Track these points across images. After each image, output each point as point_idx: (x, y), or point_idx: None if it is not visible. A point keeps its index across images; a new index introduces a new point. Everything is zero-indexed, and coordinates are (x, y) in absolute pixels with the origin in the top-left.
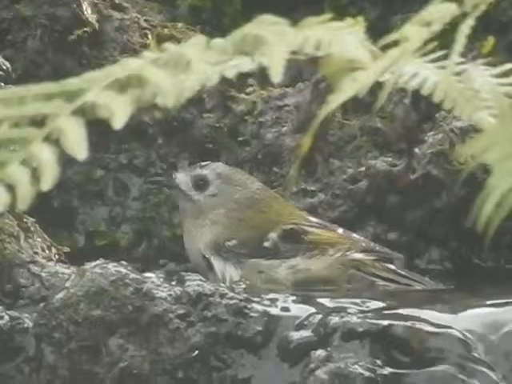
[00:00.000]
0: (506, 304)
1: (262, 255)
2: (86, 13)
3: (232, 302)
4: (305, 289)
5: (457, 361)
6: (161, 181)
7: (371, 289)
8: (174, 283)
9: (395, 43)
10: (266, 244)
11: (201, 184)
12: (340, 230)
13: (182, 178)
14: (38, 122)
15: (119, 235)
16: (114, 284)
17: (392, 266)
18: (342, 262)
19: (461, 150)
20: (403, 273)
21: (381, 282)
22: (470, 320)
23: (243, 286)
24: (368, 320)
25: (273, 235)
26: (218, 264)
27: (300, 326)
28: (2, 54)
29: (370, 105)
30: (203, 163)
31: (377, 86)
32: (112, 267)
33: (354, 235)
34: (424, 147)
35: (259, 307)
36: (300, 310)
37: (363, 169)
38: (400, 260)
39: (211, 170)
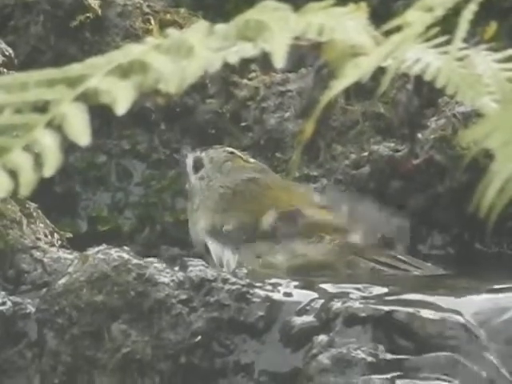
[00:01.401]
0: (509, 289)
1: (259, 239)
2: None
3: (234, 287)
4: (304, 274)
5: (459, 346)
6: (176, 159)
7: (371, 274)
8: (176, 269)
9: (398, 29)
10: (263, 227)
11: (197, 166)
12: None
13: (189, 158)
14: (41, 108)
15: (122, 221)
16: (116, 269)
17: (391, 252)
18: (340, 246)
19: (463, 135)
20: (402, 258)
21: (379, 267)
22: (473, 305)
23: (245, 271)
24: (370, 305)
25: (269, 219)
26: (214, 248)
27: (302, 312)
28: (4, 39)
29: (372, 90)
30: (213, 146)
31: (379, 72)
32: (114, 253)
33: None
34: (427, 132)
35: (261, 292)
36: (302, 296)
37: (366, 154)
38: (404, 242)
39: (207, 153)
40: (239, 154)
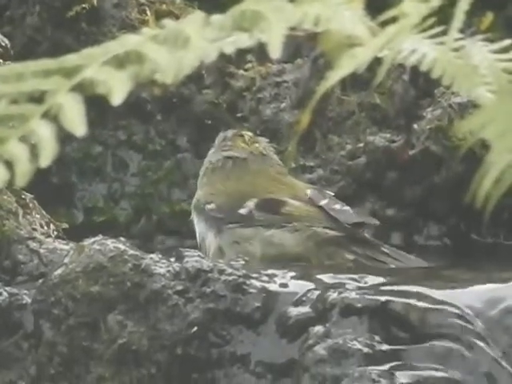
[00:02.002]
0: (505, 280)
1: (237, 222)
2: None
3: (230, 278)
4: (280, 263)
5: (455, 336)
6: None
7: (348, 266)
8: (172, 259)
9: (394, 19)
10: (242, 211)
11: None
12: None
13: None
14: (37, 98)
15: (118, 211)
16: (112, 260)
17: (373, 244)
18: (316, 237)
19: (459, 125)
20: (384, 250)
21: (359, 259)
22: (469, 296)
23: (242, 262)
24: (366, 296)
25: (249, 203)
26: (199, 228)
27: (298, 302)
28: (0, 30)
29: (368, 81)
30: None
31: (375, 62)
32: (110, 243)
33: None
34: (423, 123)
35: (258, 283)
36: (298, 286)
37: (362, 145)
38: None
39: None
40: (248, 136)
